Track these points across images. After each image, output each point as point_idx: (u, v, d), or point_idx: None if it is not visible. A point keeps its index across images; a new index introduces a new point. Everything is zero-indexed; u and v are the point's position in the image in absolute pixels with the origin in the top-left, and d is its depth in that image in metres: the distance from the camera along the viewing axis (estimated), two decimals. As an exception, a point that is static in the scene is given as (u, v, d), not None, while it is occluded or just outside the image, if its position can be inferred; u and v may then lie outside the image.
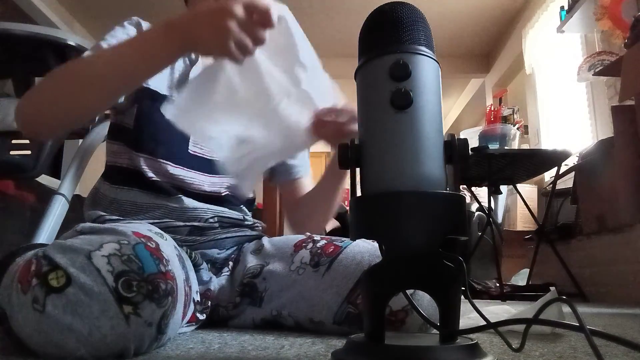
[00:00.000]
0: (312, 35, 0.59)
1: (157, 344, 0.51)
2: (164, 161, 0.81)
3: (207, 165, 0.85)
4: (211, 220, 0.83)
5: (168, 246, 0.56)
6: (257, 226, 0.92)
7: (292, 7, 0.63)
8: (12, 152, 1.28)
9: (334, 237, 0.79)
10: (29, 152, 1.28)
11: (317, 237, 0.80)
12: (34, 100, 0.71)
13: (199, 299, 0.73)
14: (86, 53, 0.77)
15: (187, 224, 0.81)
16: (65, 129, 0.80)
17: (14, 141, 1.28)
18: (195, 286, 0.69)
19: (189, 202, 0.81)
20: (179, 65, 0.86)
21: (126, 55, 0.66)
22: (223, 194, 0.87)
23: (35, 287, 0.45)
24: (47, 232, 1.30)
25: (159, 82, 0.82)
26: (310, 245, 0.78)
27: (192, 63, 0.86)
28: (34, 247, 0.59)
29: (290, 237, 0.84)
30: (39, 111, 0.71)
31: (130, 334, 0.46)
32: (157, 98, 0.80)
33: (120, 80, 0.67)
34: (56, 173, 3.13)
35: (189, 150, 0.84)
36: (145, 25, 0.84)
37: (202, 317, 0.74)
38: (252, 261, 0.81)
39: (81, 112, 0.72)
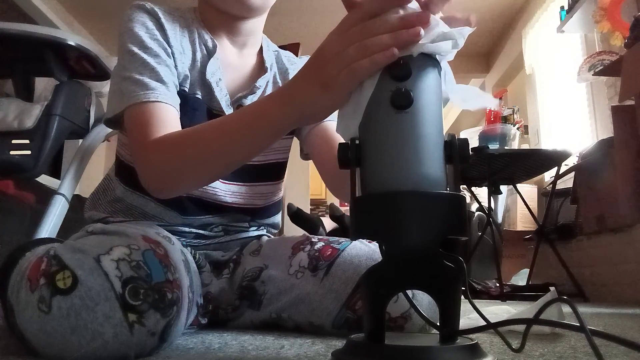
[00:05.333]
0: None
1: (158, 351, 0.51)
2: None
3: (231, 172, 0.82)
4: (216, 229, 0.84)
5: (175, 252, 0.56)
6: (263, 228, 0.92)
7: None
8: (12, 152, 1.28)
9: (331, 239, 0.79)
10: (29, 152, 1.28)
11: (314, 239, 0.79)
12: (157, 170, 0.64)
13: (202, 302, 0.72)
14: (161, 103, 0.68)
15: (193, 230, 0.81)
16: (194, 189, 0.77)
17: (14, 141, 1.28)
18: (198, 290, 0.69)
19: (199, 219, 0.81)
20: (198, 57, 0.80)
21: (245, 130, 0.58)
22: (243, 207, 0.84)
23: (43, 287, 0.45)
24: (47, 232, 1.30)
25: (182, 81, 0.77)
26: (308, 247, 0.78)
27: (211, 54, 0.80)
28: (43, 241, 0.59)
29: (288, 238, 0.84)
30: (165, 180, 0.64)
31: (132, 343, 0.46)
32: (182, 97, 0.75)
33: (240, 153, 0.60)
34: (56, 173, 3.13)
35: None
36: (159, 11, 0.77)
37: (204, 321, 0.74)
38: (251, 263, 0.81)
39: (208, 179, 0.69)
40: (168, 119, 0.67)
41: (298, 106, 0.52)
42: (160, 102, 0.67)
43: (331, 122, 0.85)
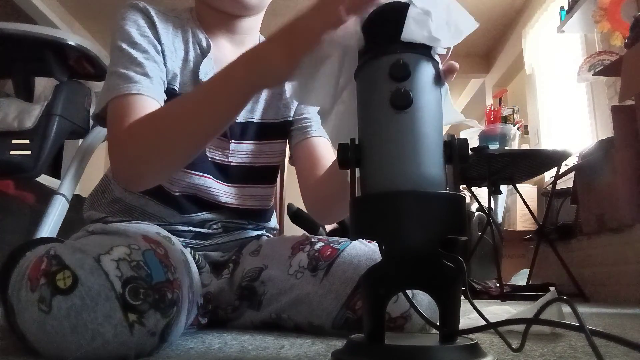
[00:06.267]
0: None
1: (158, 351, 0.51)
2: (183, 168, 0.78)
3: (223, 173, 0.83)
4: (215, 226, 0.84)
5: (175, 252, 0.56)
6: (262, 227, 0.92)
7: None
8: (12, 152, 1.28)
9: (331, 239, 0.79)
10: (29, 152, 1.28)
11: (314, 239, 0.80)
12: (129, 155, 0.63)
13: (202, 302, 0.72)
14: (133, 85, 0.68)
15: (192, 229, 0.81)
16: (167, 176, 0.75)
17: (14, 141, 1.28)
18: (199, 290, 0.69)
19: (198, 216, 0.81)
20: (191, 57, 0.80)
21: (213, 95, 0.58)
22: (236, 207, 0.84)
23: (43, 287, 0.45)
24: (47, 232, 1.30)
25: (171, 79, 0.77)
26: (308, 247, 0.78)
27: (204, 54, 0.80)
28: (44, 241, 0.59)
29: (287, 238, 0.84)
30: (138, 165, 0.63)
31: (132, 343, 0.46)
32: (173, 96, 0.75)
33: (213, 119, 0.59)
34: (56, 173, 3.13)
35: (207, 156, 0.81)
36: (152, 9, 0.77)
37: (204, 321, 0.74)
38: (250, 263, 0.81)
39: (184, 157, 0.63)
40: (148, 111, 0.66)
41: (262, 72, 0.54)
42: (142, 94, 0.67)
43: (320, 138, 0.87)
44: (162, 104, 0.71)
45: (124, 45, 0.71)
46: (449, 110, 0.49)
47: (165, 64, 0.76)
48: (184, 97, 0.63)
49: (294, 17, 0.52)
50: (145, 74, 0.70)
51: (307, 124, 0.88)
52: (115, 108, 0.67)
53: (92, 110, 1.48)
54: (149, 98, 0.68)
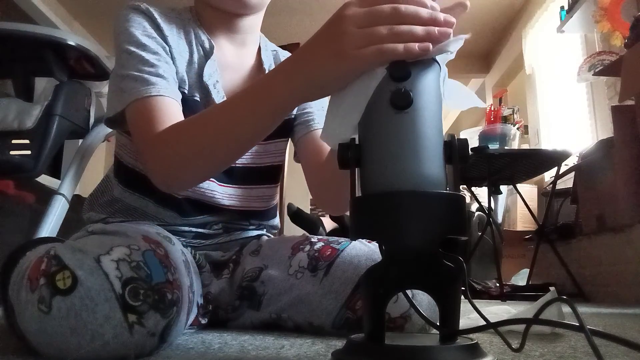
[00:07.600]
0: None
1: (158, 351, 0.51)
2: None
3: (228, 175, 0.82)
4: (216, 227, 0.84)
5: (176, 252, 0.56)
6: (262, 226, 0.92)
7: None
8: (12, 152, 1.28)
9: (331, 239, 0.79)
10: (29, 152, 1.28)
11: (314, 239, 0.79)
12: (166, 161, 0.63)
13: (202, 302, 0.72)
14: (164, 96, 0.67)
15: (193, 230, 0.81)
16: (205, 179, 0.75)
17: (14, 141, 1.28)
18: (199, 290, 0.69)
19: (199, 219, 0.81)
20: (195, 59, 0.79)
21: (249, 107, 0.56)
22: (240, 209, 0.84)
23: (43, 287, 0.45)
24: (47, 232, 1.30)
25: (181, 82, 0.77)
26: (308, 247, 0.78)
27: (208, 55, 0.79)
28: (44, 241, 0.59)
29: (287, 238, 0.84)
30: (177, 169, 0.63)
31: (132, 344, 0.46)
32: (182, 99, 0.74)
33: (250, 131, 0.57)
34: (56, 173, 3.13)
35: None
36: (154, 11, 0.76)
37: (204, 321, 0.74)
38: (250, 263, 0.81)
39: (220, 164, 0.65)
40: (171, 111, 0.66)
41: (305, 77, 0.50)
42: (162, 95, 0.67)
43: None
44: (180, 103, 0.70)
45: (132, 48, 0.70)
46: (457, 94, 0.49)
47: (174, 65, 0.75)
48: (221, 107, 0.61)
49: (344, 16, 0.46)
50: (160, 75, 0.69)
51: (311, 117, 0.87)
52: (138, 112, 0.67)
53: (92, 110, 1.48)
54: (169, 99, 0.68)
